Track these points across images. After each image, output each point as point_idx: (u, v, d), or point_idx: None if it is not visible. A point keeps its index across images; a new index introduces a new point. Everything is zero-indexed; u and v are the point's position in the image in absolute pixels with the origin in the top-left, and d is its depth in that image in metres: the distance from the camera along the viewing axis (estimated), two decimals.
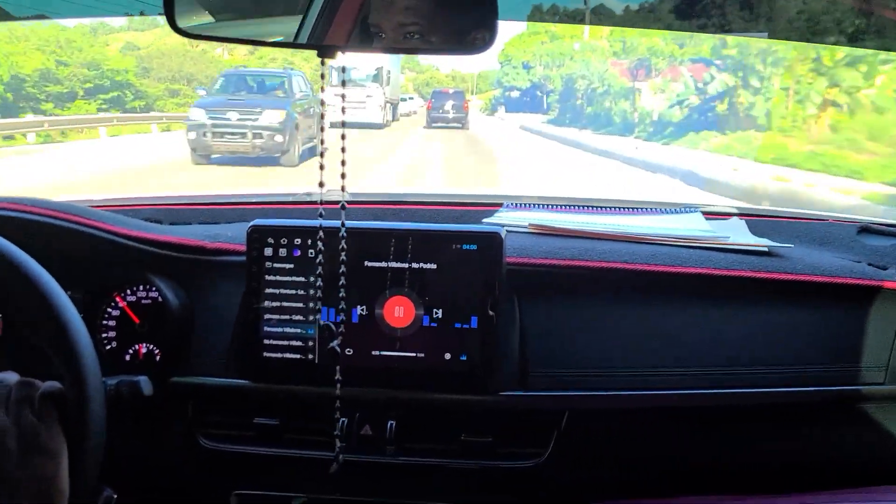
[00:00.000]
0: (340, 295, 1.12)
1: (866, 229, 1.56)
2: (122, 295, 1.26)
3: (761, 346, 1.28)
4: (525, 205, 1.63)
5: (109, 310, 1.26)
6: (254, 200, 1.63)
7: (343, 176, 1.03)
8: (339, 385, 1.10)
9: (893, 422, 1.34)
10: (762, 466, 1.36)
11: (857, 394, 1.30)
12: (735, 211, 1.65)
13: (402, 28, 0.99)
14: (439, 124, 22.80)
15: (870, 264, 1.38)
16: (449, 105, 23.37)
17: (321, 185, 1.04)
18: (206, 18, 0.89)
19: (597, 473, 1.33)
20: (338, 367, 1.11)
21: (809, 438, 1.35)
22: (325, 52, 0.89)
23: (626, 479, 1.35)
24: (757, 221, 1.56)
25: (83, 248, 1.27)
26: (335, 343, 1.14)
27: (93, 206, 1.39)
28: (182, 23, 0.88)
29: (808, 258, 1.36)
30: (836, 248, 1.48)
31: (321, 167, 1.02)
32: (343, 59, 0.93)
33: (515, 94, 38.51)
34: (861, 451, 1.37)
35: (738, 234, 1.44)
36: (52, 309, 0.95)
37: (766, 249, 1.37)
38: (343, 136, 0.99)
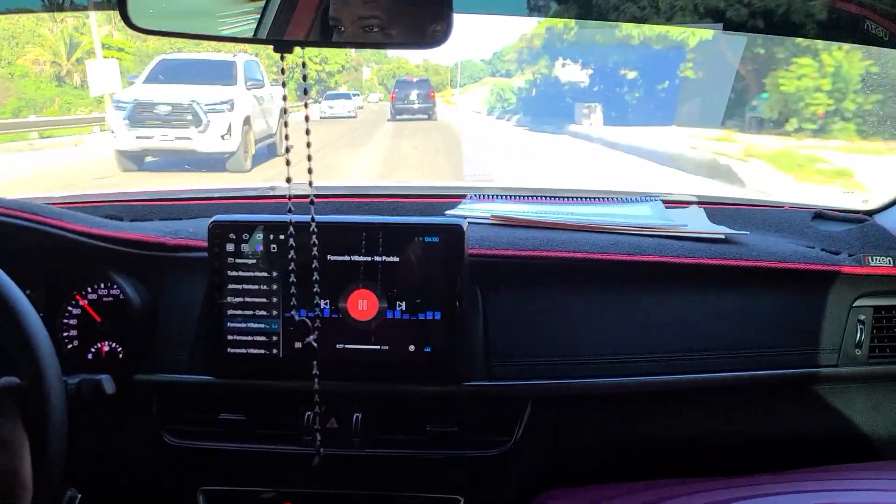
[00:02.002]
0: (305, 290, 1.13)
1: (820, 215, 1.60)
2: (83, 293, 1.25)
3: (719, 331, 1.31)
4: (488, 196, 1.64)
5: (70, 308, 1.25)
6: (216, 195, 1.62)
7: (310, 171, 1.03)
8: (316, 380, 1.10)
9: (847, 402, 1.38)
10: (723, 449, 1.40)
11: (812, 376, 1.34)
12: (694, 199, 1.68)
13: (362, 21, 0.99)
14: (405, 116, 21.52)
15: (823, 249, 1.42)
16: (414, 94, 21.94)
17: (288, 180, 1.04)
18: (162, 13, 0.88)
19: (562, 460, 1.35)
20: (315, 363, 1.11)
21: (768, 420, 1.38)
22: (283, 46, 0.89)
23: (591, 464, 1.38)
24: (715, 209, 1.59)
25: (42, 247, 1.25)
26: (311, 338, 1.15)
27: (52, 204, 1.37)
28: (136, 18, 0.87)
29: (763, 244, 1.40)
30: (790, 234, 1.52)
31: (287, 163, 1.02)
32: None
33: (572, 69, 18.43)
34: (817, 432, 1.41)
35: (697, 222, 1.47)
36: (7, 307, 0.94)
37: (723, 237, 1.40)
38: (307, 132, 0.99)
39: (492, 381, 1.25)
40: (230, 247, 1.22)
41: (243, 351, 1.22)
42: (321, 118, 19.42)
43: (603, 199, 1.64)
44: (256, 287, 1.22)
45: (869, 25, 1.39)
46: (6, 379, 0.90)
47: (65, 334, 1.25)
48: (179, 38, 0.91)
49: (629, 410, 1.34)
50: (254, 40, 0.94)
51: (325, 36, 1.02)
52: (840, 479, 1.22)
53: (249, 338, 1.22)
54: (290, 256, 1.12)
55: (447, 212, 1.49)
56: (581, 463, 1.37)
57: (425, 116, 21.56)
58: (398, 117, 21.24)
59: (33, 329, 0.94)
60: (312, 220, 1.06)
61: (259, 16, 0.99)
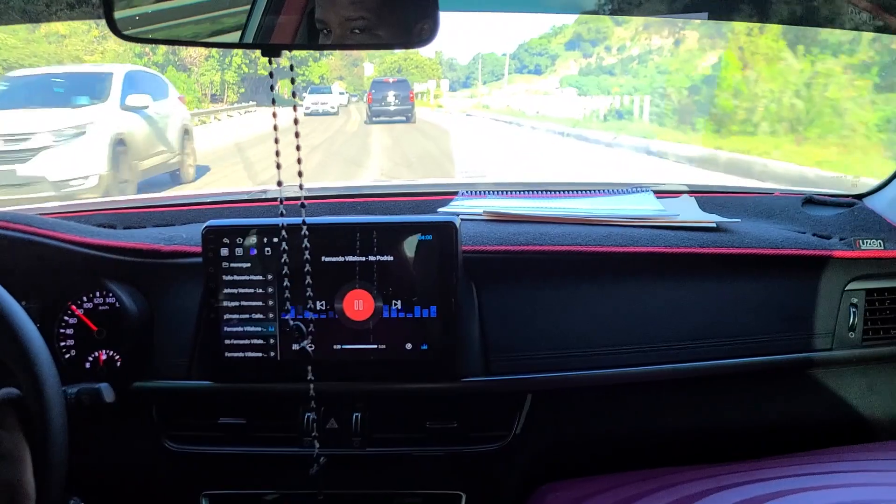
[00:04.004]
0: (297, 291, 1.13)
1: (810, 200, 1.61)
2: (79, 302, 1.25)
3: (714, 319, 1.32)
4: (480, 192, 1.64)
5: (66, 318, 1.25)
6: (207, 200, 1.62)
7: (300, 174, 1.04)
8: (311, 385, 1.12)
9: (842, 385, 1.40)
10: (722, 436, 1.41)
11: (806, 361, 1.35)
12: (685, 189, 1.69)
13: (349, 22, 0.99)
14: (382, 119, 20.27)
15: (814, 234, 1.43)
16: (391, 96, 20.75)
17: (279, 183, 1.04)
18: (148, 21, 0.88)
19: (562, 452, 1.36)
20: (309, 368, 1.12)
21: (764, 406, 1.39)
22: (271, 51, 0.89)
23: (591, 456, 1.39)
24: (706, 198, 1.60)
25: (35, 258, 1.25)
26: (306, 343, 1.16)
27: (43, 214, 1.37)
28: (122, 26, 0.87)
29: (755, 231, 1.40)
30: (781, 220, 1.53)
31: (278, 166, 1.03)
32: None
33: None
34: (813, 416, 1.42)
35: (688, 212, 1.48)
36: (4, 319, 0.94)
37: (714, 225, 1.41)
38: (297, 135, 1.00)
39: (490, 376, 1.26)
40: (224, 251, 1.22)
41: (241, 355, 1.22)
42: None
43: (594, 191, 1.65)
44: (252, 291, 1.22)
45: (853, 10, 1.40)
46: (6, 390, 0.90)
47: (62, 344, 1.25)
48: (167, 45, 0.91)
49: (627, 401, 1.34)
50: (241, 45, 0.94)
51: (312, 38, 1.03)
52: (836, 461, 1.23)
53: (247, 341, 1.22)
54: (283, 260, 1.13)
55: (440, 209, 1.49)
56: (581, 455, 1.38)
57: (403, 119, 20.52)
58: (375, 119, 20.21)
59: (31, 340, 0.94)
60: (304, 223, 1.07)
61: (245, 20, 0.99)
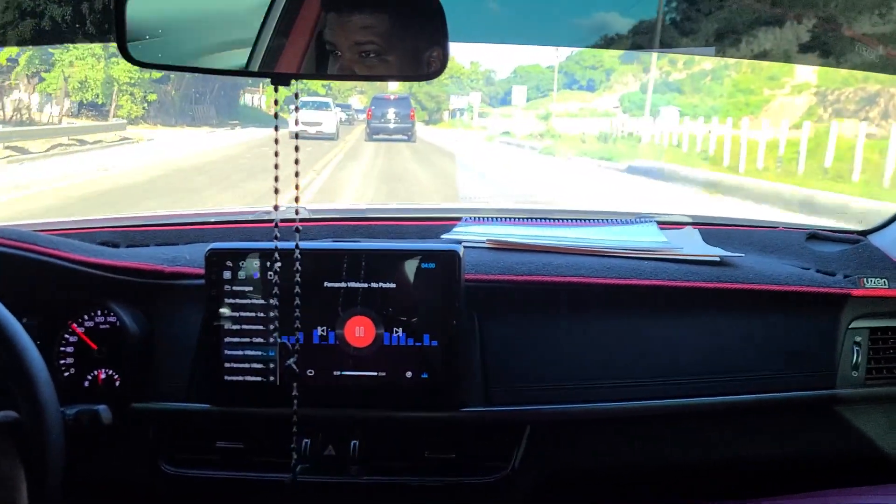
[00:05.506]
0: (298, 316, 1.13)
1: (815, 236, 1.60)
2: (79, 321, 1.25)
3: (715, 354, 1.31)
4: (483, 218, 1.64)
5: (66, 336, 1.24)
6: (211, 220, 1.62)
7: (297, 200, 1.04)
8: (295, 404, 1.11)
9: (844, 424, 1.39)
10: (719, 471, 1.40)
11: (808, 399, 1.34)
12: (689, 220, 1.69)
13: (359, 46, 0.99)
14: (381, 136, 19.38)
15: (818, 271, 1.43)
16: (392, 113, 19.81)
17: (276, 208, 1.04)
18: (160, 48, 0.88)
19: (560, 485, 1.35)
20: (294, 385, 1.13)
21: (765, 443, 1.38)
22: (280, 80, 0.89)
23: (590, 489, 1.38)
24: (710, 230, 1.60)
25: (37, 276, 1.25)
26: (291, 361, 1.16)
27: (46, 231, 1.37)
28: (135, 53, 0.88)
29: (759, 266, 1.40)
30: (786, 255, 1.53)
31: (276, 191, 1.03)
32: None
33: None
34: (814, 454, 1.41)
35: (692, 244, 1.47)
36: (5, 340, 0.93)
37: (718, 259, 1.40)
38: (297, 161, 1.00)
39: (489, 406, 1.25)
40: (227, 274, 1.22)
41: (240, 378, 1.22)
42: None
43: (598, 221, 1.65)
44: (253, 314, 1.21)
45: (860, 48, 1.41)
46: (4, 413, 0.90)
47: (61, 362, 1.24)
48: (178, 71, 0.91)
49: (627, 434, 1.33)
50: (251, 73, 0.94)
51: (321, 65, 1.02)
52: (842, 503, 1.22)
53: (246, 365, 1.22)
54: (281, 283, 1.15)
55: (443, 236, 1.49)
56: (580, 488, 1.37)
57: (405, 137, 19.67)
58: (374, 137, 19.33)
59: (31, 363, 0.94)
60: (296, 247, 1.07)
61: (251, 48, 0.99)
